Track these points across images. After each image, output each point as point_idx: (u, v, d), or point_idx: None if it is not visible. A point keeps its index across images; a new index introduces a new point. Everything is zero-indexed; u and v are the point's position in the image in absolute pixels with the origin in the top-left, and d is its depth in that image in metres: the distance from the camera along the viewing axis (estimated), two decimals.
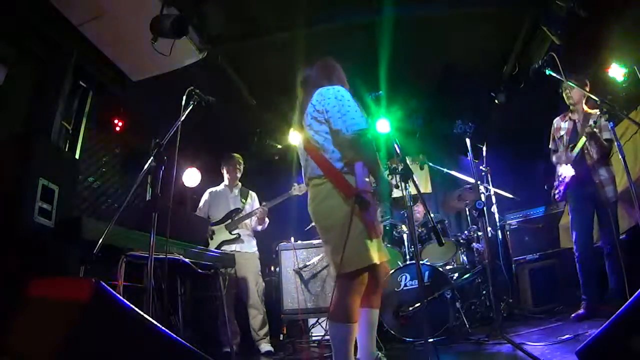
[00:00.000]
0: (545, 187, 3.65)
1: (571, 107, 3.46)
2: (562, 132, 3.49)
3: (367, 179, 2.05)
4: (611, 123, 2.50)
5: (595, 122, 3.10)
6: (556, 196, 3.49)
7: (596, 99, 2.48)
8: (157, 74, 3.73)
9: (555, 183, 3.52)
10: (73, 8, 3.06)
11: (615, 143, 2.49)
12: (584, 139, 3.21)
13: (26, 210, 2.36)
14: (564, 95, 3.49)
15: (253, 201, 4.10)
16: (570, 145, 3.36)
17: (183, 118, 2.26)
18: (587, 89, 3.07)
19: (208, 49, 3.74)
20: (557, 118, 3.60)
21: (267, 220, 3.92)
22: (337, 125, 1.96)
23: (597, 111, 3.16)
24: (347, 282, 1.92)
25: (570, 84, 2.64)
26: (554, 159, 3.55)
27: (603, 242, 3.25)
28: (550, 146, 3.64)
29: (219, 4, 3.59)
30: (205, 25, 3.69)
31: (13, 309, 1.54)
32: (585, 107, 3.41)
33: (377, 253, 1.95)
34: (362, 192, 1.89)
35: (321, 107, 2.03)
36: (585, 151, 3.30)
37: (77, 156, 3.62)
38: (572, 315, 3.29)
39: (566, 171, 3.39)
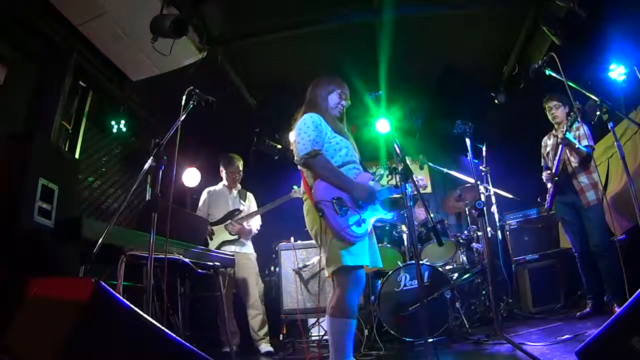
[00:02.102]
0: (538, 199, 3.78)
1: (556, 125, 3.59)
2: (549, 149, 3.68)
3: (371, 182, 2.24)
4: (611, 123, 2.49)
5: (566, 131, 3.24)
6: (546, 205, 3.64)
7: (596, 99, 2.47)
8: (157, 74, 3.73)
9: (547, 194, 3.63)
10: (73, 8, 3.07)
11: (615, 143, 2.49)
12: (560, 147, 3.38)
13: (26, 210, 2.36)
14: (548, 114, 3.62)
15: (250, 203, 4.09)
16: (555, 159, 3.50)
17: (183, 118, 2.26)
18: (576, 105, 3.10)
19: (208, 49, 3.74)
20: (545, 137, 3.78)
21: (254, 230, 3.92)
22: (296, 152, 2.22)
23: (576, 124, 3.34)
24: (338, 280, 2.06)
25: (571, 84, 2.64)
26: (544, 176, 3.64)
27: (592, 245, 3.30)
28: (542, 164, 3.81)
29: (219, 4, 3.59)
30: (205, 25, 3.68)
31: (13, 309, 1.54)
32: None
33: (356, 256, 2.04)
34: (318, 203, 2.06)
35: (294, 135, 2.28)
36: (567, 160, 3.45)
37: (77, 156, 3.63)
38: (578, 313, 3.34)
39: (552, 181, 3.53)
